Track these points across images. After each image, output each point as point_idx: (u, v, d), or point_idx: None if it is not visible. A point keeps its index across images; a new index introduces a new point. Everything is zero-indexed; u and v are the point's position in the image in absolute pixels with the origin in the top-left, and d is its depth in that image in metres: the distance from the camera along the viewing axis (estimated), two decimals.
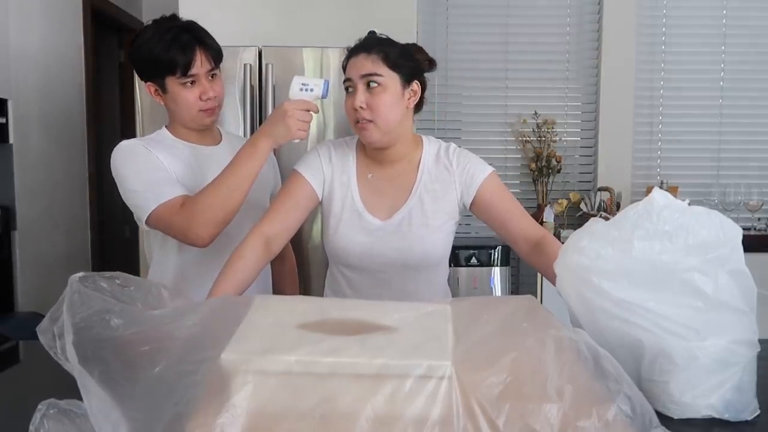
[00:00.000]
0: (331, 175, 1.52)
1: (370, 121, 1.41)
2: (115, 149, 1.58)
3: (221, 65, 1.62)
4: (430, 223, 1.49)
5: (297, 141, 1.44)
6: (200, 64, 1.53)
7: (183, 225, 1.46)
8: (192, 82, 1.54)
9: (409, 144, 1.52)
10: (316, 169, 1.51)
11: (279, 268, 1.86)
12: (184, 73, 1.52)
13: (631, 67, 3.70)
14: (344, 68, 1.47)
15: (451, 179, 1.51)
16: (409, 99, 1.45)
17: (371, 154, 1.52)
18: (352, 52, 1.45)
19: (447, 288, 1.65)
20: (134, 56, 1.57)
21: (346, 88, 1.44)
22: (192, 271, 1.63)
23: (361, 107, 1.39)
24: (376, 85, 1.40)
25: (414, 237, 1.48)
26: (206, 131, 1.66)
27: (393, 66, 1.41)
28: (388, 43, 1.45)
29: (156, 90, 1.59)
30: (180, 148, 1.63)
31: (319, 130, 2.78)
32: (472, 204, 1.51)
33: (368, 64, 1.40)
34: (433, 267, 1.56)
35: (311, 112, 1.42)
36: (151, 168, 1.53)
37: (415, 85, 1.46)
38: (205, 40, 1.56)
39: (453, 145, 1.56)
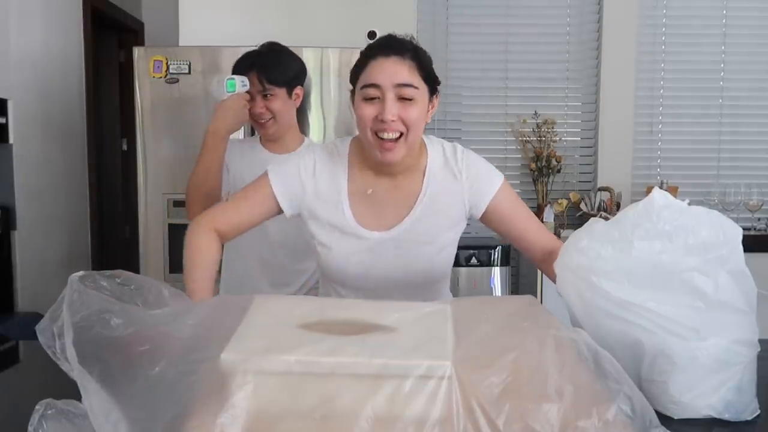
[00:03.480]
0: (313, 188, 1.35)
1: (400, 137, 1.25)
2: None
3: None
4: (435, 237, 1.37)
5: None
6: (252, 82, 1.80)
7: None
8: (250, 99, 1.82)
9: (414, 154, 1.36)
10: (289, 185, 1.35)
11: None
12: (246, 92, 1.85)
13: (631, 67, 3.70)
14: (359, 68, 1.29)
15: (459, 189, 1.37)
16: (428, 113, 1.32)
17: (373, 165, 1.35)
18: (380, 52, 1.26)
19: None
20: None
21: (366, 96, 1.26)
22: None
23: (392, 120, 1.23)
24: (410, 97, 1.24)
25: (417, 252, 1.36)
26: (276, 141, 1.88)
27: (425, 77, 1.28)
28: (419, 48, 1.29)
29: None
30: (257, 154, 1.89)
31: (320, 127, 2.78)
32: (483, 215, 1.39)
33: (404, 71, 1.24)
34: (435, 283, 1.44)
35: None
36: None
37: (435, 99, 1.33)
38: (260, 63, 1.80)
39: (459, 148, 1.42)
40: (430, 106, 1.32)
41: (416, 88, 1.25)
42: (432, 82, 1.31)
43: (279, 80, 1.80)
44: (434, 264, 1.39)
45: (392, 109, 1.23)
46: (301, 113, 2.76)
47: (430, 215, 1.36)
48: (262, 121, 1.82)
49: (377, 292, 1.37)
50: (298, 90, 1.87)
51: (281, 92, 1.81)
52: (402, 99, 1.24)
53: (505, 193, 1.39)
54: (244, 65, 1.81)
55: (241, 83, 1.76)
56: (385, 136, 1.25)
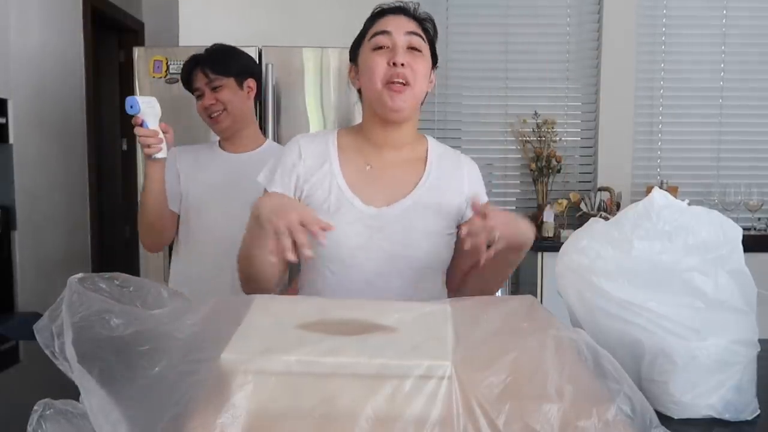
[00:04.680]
0: (302, 168, 1.35)
1: (407, 84, 1.28)
2: None
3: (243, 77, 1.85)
4: (439, 218, 1.34)
5: (159, 156, 1.66)
6: (198, 78, 1.80)
7: None
8: (199, 96, 1.83)
9: (414, 133, 1.40)
10: (280, 177, 1.35)
11: None
12: (188, 89, 1.86)
13: (631, 67, 3.70)
14: (365, 28, 1.36)
15: (460, 176, 1.40)
16: (429, 83, 1.36)
17: (374, 136, 1.36)
18: (389, 11, 1.35)
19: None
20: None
21: (376, 44, 1.31)
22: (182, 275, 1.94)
23: (402, 64, 1.27)
24: (418, 49, 1.30)
25: (420, 231, 1.32)
26: (233, 139, 1.88)
27: (430, 42, 1.35)
28: (427, 16, 1.38)
29: None
30: (214, 156, 1.89)
31: (320, 127, 2.78)
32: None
33: (412, 25, 1.32)
34: (433, 275, 1.38)
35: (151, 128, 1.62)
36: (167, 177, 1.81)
37: (433, 75, 1.38)
38: (203, 60, 1.82)
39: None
40: (431, 78, 1.37)
41: (423, 39, 1.32)
42: (434, 53, 1.37)
43: (224, 71, 1.80)
44: (437, 248, 1.35)
45: (404, 55, 1.28)
46: (302, 112, 2.76)
47: (435, 196, 1.35)
48: (215, 115, 1.80)
49: (373, 275, 1.30)
50: (249, 82, 1.86)
51: (229, 82, 1.80)
52: (411, 49, 1.30)
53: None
54: (189, 66, 1.83)
55: (145, 104, 1.59)
56: (396, 79, 1.27)
